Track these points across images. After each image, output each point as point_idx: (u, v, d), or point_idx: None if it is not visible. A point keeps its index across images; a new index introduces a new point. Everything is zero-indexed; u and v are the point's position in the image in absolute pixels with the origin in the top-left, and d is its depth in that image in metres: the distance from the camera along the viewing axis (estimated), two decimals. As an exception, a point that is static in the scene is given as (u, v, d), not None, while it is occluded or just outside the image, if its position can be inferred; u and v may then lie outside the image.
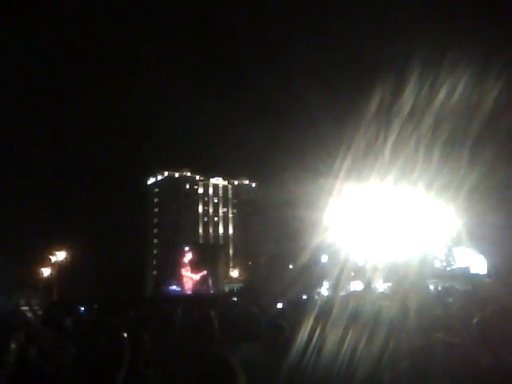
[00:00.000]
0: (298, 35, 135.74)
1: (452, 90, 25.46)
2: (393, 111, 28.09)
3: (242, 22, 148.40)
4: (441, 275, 13.21)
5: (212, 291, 40.05)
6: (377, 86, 29.05)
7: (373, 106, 28.95)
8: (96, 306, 14.24)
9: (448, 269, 15.12)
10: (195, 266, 40.65)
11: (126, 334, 2.18)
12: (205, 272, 40.60)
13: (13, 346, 2.62)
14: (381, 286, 29.07)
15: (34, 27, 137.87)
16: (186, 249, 43.10)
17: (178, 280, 40.33)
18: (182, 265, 40.72)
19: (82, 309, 14.67)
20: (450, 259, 15.45)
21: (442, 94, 25.99)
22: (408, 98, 27.35)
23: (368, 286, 29.39)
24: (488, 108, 24.18)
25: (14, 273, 44.31)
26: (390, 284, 26.90)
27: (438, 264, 15.67)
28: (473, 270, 13.48)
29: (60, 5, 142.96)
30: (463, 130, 25.70)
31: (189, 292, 39.50)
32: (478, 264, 14.19)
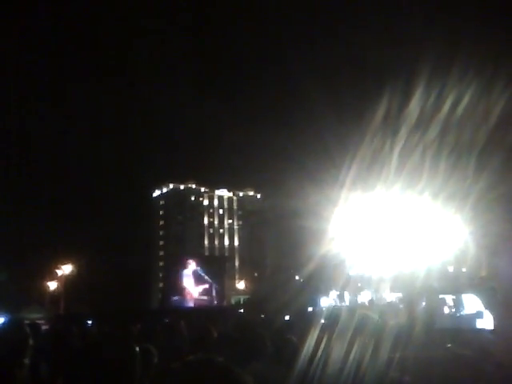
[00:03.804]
0: (303, 41, 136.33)
1: (459, 99, 25.41)
2: (399, 119, 28.07)
3: (245, 27, 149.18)
4: (449, 322, 13.19)
5: (216, 302, 40.04)
6: (383, 94, 29.06)
7: (379, 114, 28.94)
8: (95, 322, 14.15)
9: (457, 314, 15.12)
10: (198, 278, 40.76)
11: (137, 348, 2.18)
12: (207, 285, 40.66)
13: (26, 361, 2.62)
14: (388, 295, 28.90)
15: (34, 30, 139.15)
16: (190, 260, 43.19)
17: (180, 291, 40.43)
18: (185, 276, 40.81)
19: (90, 322, 14.65)
20: (459, 306, 15.48)
21: (449, 103, 25.94)
22: (415, 106, 27.33)
23: (375, 296, 29.22)
24: (496, 116, 24.10)
25: (20, 288, 44.37)
26: (397, 294, 26.73)
27: (446, 310, 15.70)
28: (479, 325, 13.38)
29: (58, 10, 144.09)
30: (470, 138, 25.62)
31: (191, 303, 39.55)
32: (484, 318, 14.14)
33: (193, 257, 47.43)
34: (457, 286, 17.52)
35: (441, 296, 16.19)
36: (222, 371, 1.35)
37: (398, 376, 2.22)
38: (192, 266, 41.55)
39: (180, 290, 40.43)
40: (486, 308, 14.19)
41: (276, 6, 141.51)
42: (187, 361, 1.38)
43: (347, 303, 28.38)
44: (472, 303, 15.19)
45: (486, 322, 13.27)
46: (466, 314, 14.92)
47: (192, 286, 40.55)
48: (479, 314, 14.15)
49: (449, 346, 2.70)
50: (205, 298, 40.31)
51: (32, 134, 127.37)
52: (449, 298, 15.97)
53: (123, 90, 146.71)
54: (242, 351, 3.25)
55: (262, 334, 3.71)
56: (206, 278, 40.83)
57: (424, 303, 15.43)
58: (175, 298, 40.30)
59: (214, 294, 40.99)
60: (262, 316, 18.32)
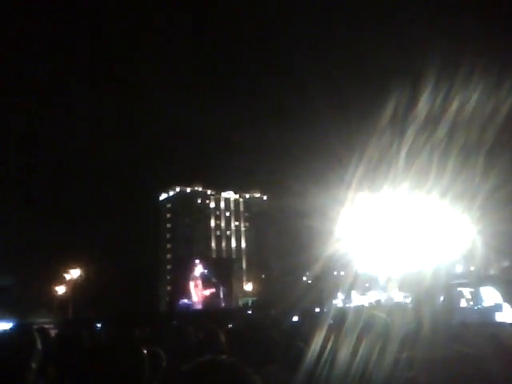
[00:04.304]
0: (308, 42, 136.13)
1: (467, 98, 25.29)
2: (407, 119, 27.97)
3: (250, 29, 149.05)
4: (468, 316, 13.14)
5: (223, 304, 40.07)
6: (390, 94, 28.97)
7: (386, 114, 28.84)
8: (104, 325, 14.18)
9: (475, 308, 15.09)
10: (206, 280, 40.79)
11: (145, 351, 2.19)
12: (213, 289, 40.69)
13: (33, 365, 2.63)
14: (396, 295, 28.81)
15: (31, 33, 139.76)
16: (197, 261, 43.22)
17: (188, 294, 40.43)
18: (192, 278, 40.83)
19: (99, 325, 14.68)
20: (477, 299, 15.47)
21: (456, 102, 25.82)
22: (422, 106, 27.22)
23: (383, 296, 29.14)
24: (503, 116, 23.96)
25: (28, 292, 44.59)
26: (405, 294, 26.65)
27: (464, 303, 15.70)
28: (498, 318, 13.34)
29: (59, 10, 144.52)
30: (478, 138, 25.47)
31: (198, 305, 39.56)
32: (504, 310, 14.11)
33: (200, 259, 47.46)
34: (474, 279, 17.42)
35: (458, 289, 16.15)
36: (232, 372, 1.35)
37: (406, 376, 2.22)
38: (199, 268, 41.61)
39: (187, 293, 40.48)
40: (504, 301, 14.11)
41: (280, 6, 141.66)
42: (197, 362, 1.39)
43: (355, 303, 28.34)
44: (490, 296, 15.11)
45: (506, 315, 13.20)
46: (485, 307, 14.84)
47: (199, 288, 40.61)
48: (498, 307, 14.10)
49: (454, 345, 2.68)
50: (212, 300, 40.35)
51: (39, 137, 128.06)
52: (466, 291, 15.91)
53: (129, 93, 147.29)
54: (256, 354, 3.25)
55: (274, 336, 3.70)
56: (214, 280, 40.88)
57: (442, 298, 15.35)
58: (183, 300, 40.36)
59: (221, 296, 41.02)
60: (272, 312, 18.28)
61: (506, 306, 13.77)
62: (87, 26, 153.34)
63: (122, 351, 2.13)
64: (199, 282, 40.73)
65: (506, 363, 2.40)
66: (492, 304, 14.59)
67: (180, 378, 1.37)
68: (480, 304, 15.15)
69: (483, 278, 17.52)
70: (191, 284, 40.59)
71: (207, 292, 40.57)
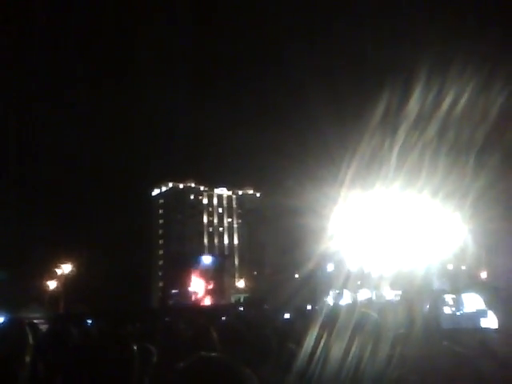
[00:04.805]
0: (301, 39, 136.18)
1: (458, 97, 25.43)
2: (398, 118, 28.08)
3: (245, 26, 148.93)
4: (451, 322, 13.28)
5: (216, 301, 40.19)
6: (382, 93, 29.06)
7: (378, 112, 28.94)
8: (95, 321, 14.16)
9: (457, 313, 15.27)
10: (200, 276, 40.92)
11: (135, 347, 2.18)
12: (207, 284, 40.85)
13: (27, 359, 2.62)
14: (388, 293, 28.96)
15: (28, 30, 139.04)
16: (192, 260, 43.32)
17: (181, 290, 40.46)
18: (187, 275, 40.88)
19: (90, 321, 14.65)
20: (459, 305, 15.67)
21: (448, 101, 25.96)
22: (414, 105, 27.34)
23: (374, 294, 29.27)
24: (494, 115, 24.12)
25: (19, 287, 44.38)
26: (397, 292, 26.80)
27: (447, 310, 15.90)
28: (483, 324, 13.51)
29: (59, 10, 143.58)
30: (469, 136, 25.63)
31: (191, 301, 39.60)
32: (488, 317, 14.27)
33: (195, 256, 47.54)
34: (458, 286, 17.68)
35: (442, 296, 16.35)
36: (228, 369, 1.35)
37: (398, 374, 2.22)
38: (194, 265, 41.67)
39: (181, 289, 40.56)
40: (488, 308, 14.26)
41: (275, 4, 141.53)
42: (192, 359, 1.39)
43: (347, 301, 28.46)
44: (472, 302, 15.28)
45: (491, 321, 13.33)
46: (467, 313, 15.01)
47: (195, 284, 40.71)
48: (483, 313, 14.25)
49: (445, 343, 2.69)
50: (205, 296, 40.44)
51: (31, 133, 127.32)
52: (449, 297, 16.11)
53: (122, 89, 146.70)
54: (249, 353, 3.24)
55: (267, 335, 3.69)
56: (207, 276, 40.96)
57: (428, 305, 15.46)
58: (175, 293, 40.44)
59: (214, 292, 41.12)
60: (266, 307, 18.25)
61: (490, 312, 13.96)
62: (85, 23, 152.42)
63: (112, 347, 2.12)
64: (194, 278, 40.81)
65: (495, 365, 2.42)
66: (474, 310, 14.81)
67: (176, 375, 1.37)
68: (461, 310, 15.36)
69: (467, 285, 17.73)
70: (186, 280, 40.65)
71: (202, 287, 40.70)
